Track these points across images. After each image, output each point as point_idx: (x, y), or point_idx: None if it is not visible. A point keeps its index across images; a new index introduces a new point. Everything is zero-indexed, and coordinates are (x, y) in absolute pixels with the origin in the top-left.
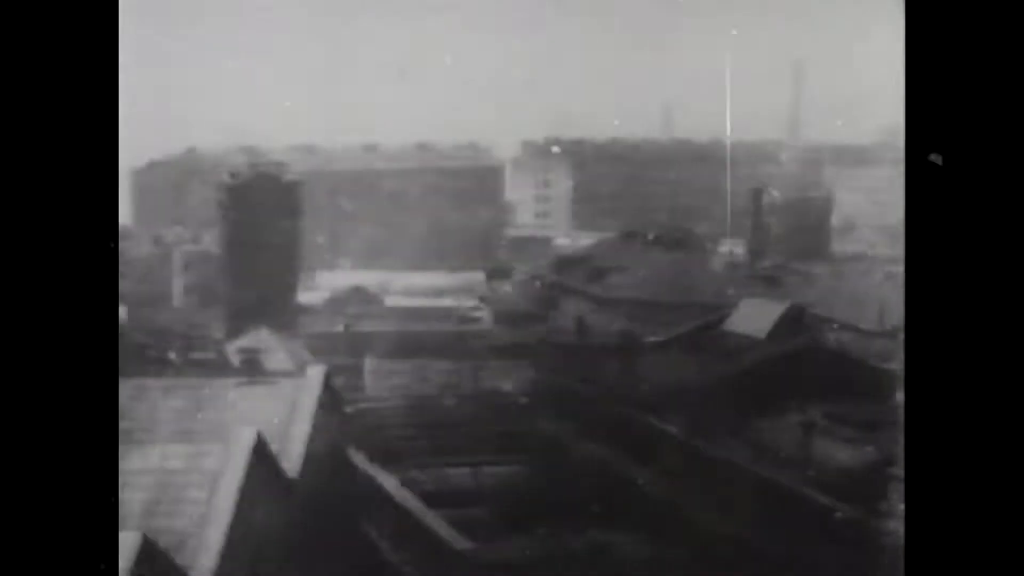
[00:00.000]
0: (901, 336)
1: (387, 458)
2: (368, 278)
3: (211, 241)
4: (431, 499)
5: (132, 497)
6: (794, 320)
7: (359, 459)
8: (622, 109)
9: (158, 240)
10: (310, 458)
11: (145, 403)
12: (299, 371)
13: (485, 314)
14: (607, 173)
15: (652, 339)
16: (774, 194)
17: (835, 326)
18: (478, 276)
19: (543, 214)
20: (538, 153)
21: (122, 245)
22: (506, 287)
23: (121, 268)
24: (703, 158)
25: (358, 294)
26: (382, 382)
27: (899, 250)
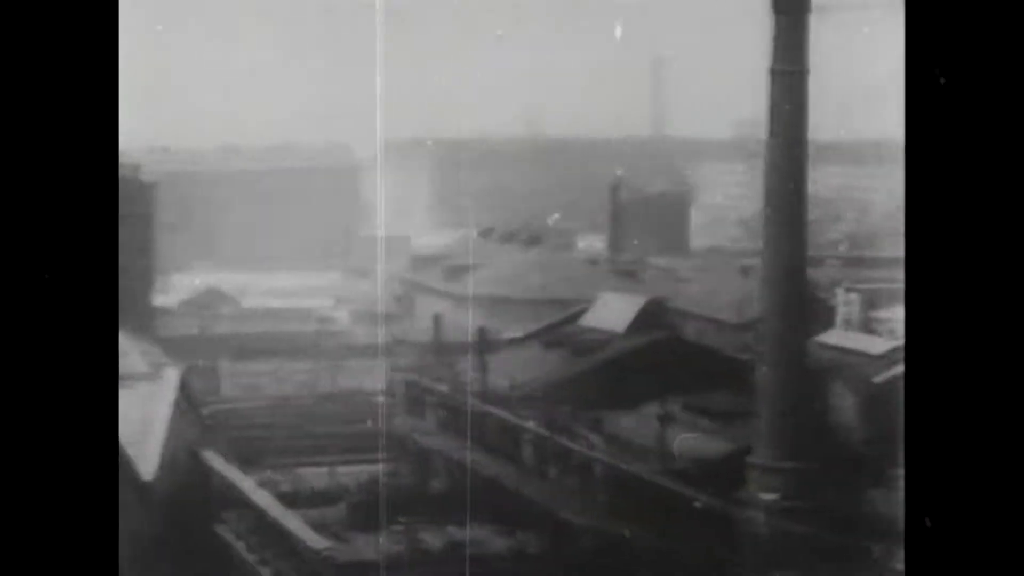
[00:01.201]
0: (759, 327)
1: (244, 459)
2: (225, 280)
3: None
4: (288, 499)
5: None
6: (653, 314)
7: (216, 461)
8: (483, 107)
9: None
10: (166, 461)
11: None
12: (155, 374)
13: (342, 314)
14: (467, 171)
15: (510, 335)
16: (623, 193)
17: (694, 319)
18: (335, 276)
19: (402, 213)
20: (398, 152)
21: None
22: (364, 287)
23: None
24: (564, 155)
25: (215, 296)
26: (239, 383)
27: (757, 243)
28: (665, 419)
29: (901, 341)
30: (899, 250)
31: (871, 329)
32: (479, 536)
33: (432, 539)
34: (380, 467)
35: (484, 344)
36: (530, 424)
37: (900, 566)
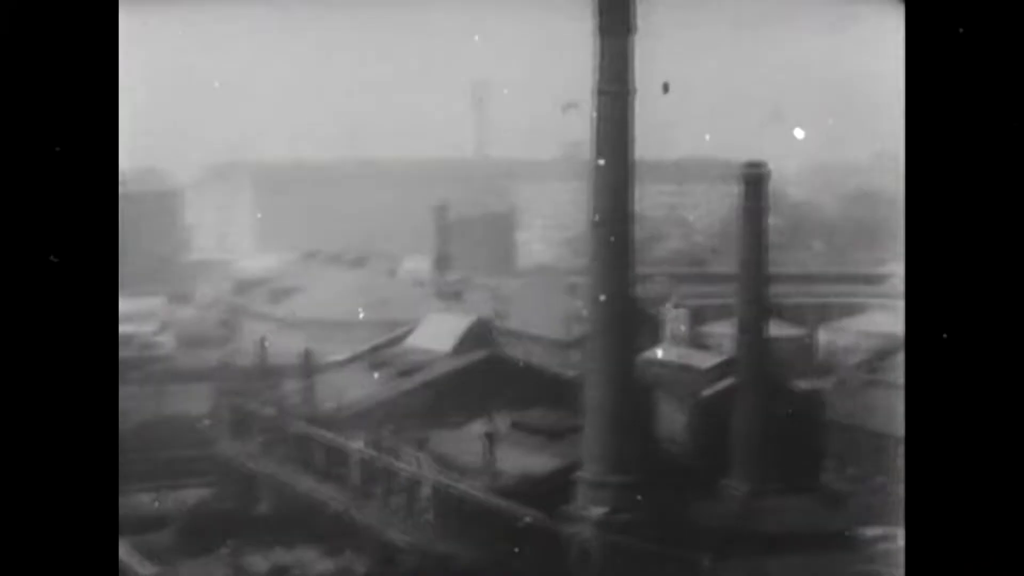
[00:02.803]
0: (586, 344)
1: None
2: None
3: None
4: None
5: None
6: (479, 334)
7: None
8: (306, 130)
9: None
10: None
11: None
12: None
13: (166, 338)
14: (290, 194)
15: (335, 357)
16: (449, 213)
17: (521, 337)
18: (159, 301)
19: (224, 237)
20: (219, 176)
21: None
22: (187, 311)
23: None
24: (388, 177)
25: None
26: None
27: (582, 261)
28: (492, 436)
29: (728, 355)
30: (724, 266)
31: (698, 344)
32: (305, 558)
33: (258, 562)
34: (206, 491)
35: (309, 366)
36: (356, 445)
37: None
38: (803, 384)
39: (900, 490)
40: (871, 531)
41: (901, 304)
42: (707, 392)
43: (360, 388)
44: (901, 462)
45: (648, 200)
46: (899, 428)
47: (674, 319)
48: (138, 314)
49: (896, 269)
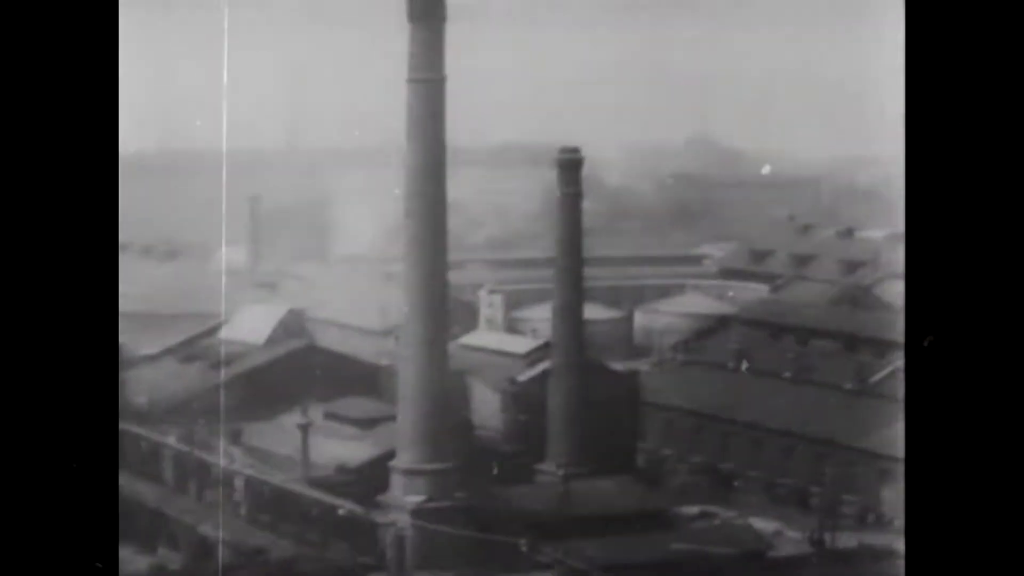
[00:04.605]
0: (400, 332)
1: None
2: None
3: None
4: None
5: None
6: (292, 324)
7: None
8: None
9: None
10: None
11: None
12: None
13: None
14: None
15: (146, 352)
16: (263, 203)
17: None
18: None
19: None
20: None
21: None
22: None
23: None
24: (201, 168)
25: None
26: None
27: (397, 249)
28: (306, 427)
29: (544, 340)
30: (540, 251)
31: (514, 329)
32: (122, 555)
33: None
34: None
35: (121, 361)
36: (169, 440)
37: (545, 559)
38: (619, 366)
39: (723, 467)
40: (688, 510)
41: (715, 284)
42: (523, 377)
43: (173, 382)
44: (718, 440)
45: (463, 187)
46: (716, 407)
47: (489, 305)
48: None
49: (710, 251)
